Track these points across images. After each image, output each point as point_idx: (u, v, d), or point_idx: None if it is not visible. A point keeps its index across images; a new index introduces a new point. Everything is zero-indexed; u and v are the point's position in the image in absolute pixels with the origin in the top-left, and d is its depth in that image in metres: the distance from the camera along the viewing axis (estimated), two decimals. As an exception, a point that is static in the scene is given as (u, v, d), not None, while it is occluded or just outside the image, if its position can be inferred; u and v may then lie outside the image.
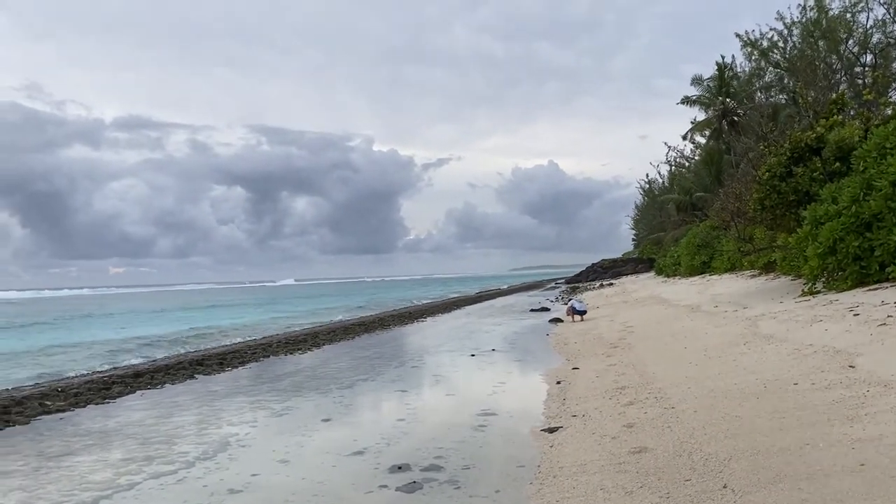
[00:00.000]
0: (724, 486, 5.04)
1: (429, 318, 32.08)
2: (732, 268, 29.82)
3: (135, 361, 19.25)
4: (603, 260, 77.03)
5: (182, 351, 21.74)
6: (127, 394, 13.27)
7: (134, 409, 11.76)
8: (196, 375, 15.36)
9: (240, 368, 16.46)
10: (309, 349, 20.06)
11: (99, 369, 17.78)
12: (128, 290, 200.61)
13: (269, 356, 18.62)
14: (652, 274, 51.78)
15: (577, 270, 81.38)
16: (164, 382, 14.44)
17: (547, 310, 31.58)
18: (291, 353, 19.14)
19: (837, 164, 16.99)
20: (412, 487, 6.41)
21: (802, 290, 15.71)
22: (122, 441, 9.26)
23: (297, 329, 28.80)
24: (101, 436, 9.70)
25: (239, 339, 24.79)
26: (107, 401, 12.58)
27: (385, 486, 6.49)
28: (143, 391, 13.55)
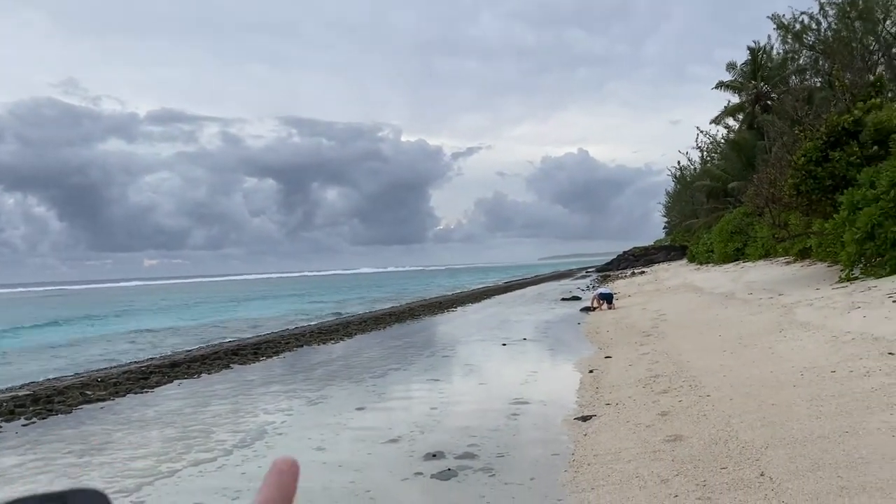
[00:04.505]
0: (762, 475, 5.01)
1: (459, 308, 32.13)
2: (767, 254, 29.39)
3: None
4: (634, 248, 76.20)
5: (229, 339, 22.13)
6: (165, 383, 13.52)
7: (172, 398, 11.98)
8: (232, 365, 15.59)
9: (274, 358, 16.66)
10: (341, 339, 20.24)
11: (137, 359, 18.16)
12: (164, 282, 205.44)
13: (302, 346, 18.82)
14: (684, 261, 51.23)
15: (609, 259, 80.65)
16: (201, 372, 14.67)
17: (578, 299, 31.42)
18: (324, 343, 19.32)
19: (876, 147, 16.65)
20: (447, 475, 6.46)
21: (839, 277, 15.46)
22: (162, 429, 9.45)
23: (329, 319, 29.09)
24: (140, 424, 9.91)
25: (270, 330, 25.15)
26: (145, 390, 12.83)
27: (420, 474, 6.55)
28: (181, 381, 13.79)
